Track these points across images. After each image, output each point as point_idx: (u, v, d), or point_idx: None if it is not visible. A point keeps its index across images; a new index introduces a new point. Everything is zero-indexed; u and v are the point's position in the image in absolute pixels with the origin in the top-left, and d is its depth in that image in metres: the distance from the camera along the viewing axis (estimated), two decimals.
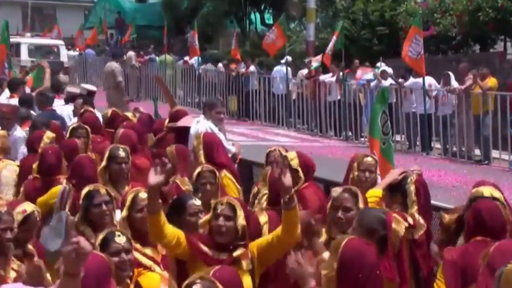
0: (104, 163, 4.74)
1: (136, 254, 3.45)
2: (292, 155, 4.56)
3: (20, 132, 6.44)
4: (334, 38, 12.57)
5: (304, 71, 14.13)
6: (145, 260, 3.61)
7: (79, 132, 5.89)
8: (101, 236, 3.18)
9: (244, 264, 3.43)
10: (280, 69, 14.64)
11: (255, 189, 4.95)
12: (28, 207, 3.79)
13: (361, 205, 3.66)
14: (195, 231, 3.61)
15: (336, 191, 3.75)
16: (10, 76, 10.79)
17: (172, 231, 3.45)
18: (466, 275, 3.31)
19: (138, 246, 3.57)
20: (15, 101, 8.01)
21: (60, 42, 21.00)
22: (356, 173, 4.57)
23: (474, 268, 3.22)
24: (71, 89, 8.54)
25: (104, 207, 3.86)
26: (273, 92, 14.38)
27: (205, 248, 3.43)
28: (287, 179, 3.38)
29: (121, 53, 15.20)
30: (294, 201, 3.43)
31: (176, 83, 17.18)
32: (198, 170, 4.60)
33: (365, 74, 12.68)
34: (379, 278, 2.82)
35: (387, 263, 3.07)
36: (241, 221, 3.45)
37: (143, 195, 3.66)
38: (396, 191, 4.22)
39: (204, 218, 3.59)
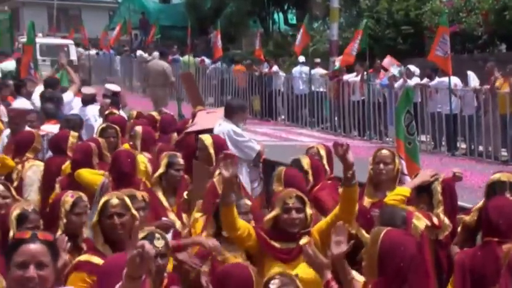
0: (162, 170, 4.67)
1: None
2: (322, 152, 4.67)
3: None
4: (359, 37, 12.42)
5: (319, 71, 14.11)
6: None
7: (108, 133, 5.90)
8: (141, 236, 3.16)
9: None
10: (300, 70, 14.61)
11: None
12: (75, 193, 3.88)
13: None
14: None
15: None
16: (36, 76, 10.89)
17: (243, 224, 3.61)
18: (475, 276, 3.32)
19: (108, 252, 3.43)
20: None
21: (70, 41, 21.33)
22: (371, 167, 4.56)
23: (482, 270, 3.26)
24: (86, 90, 8.55)
25: (141, 213, 3.81)
26: (295, 93, 14.36)
27: (272, 242, 3.56)
28: (350, 156, 3.53)
29: (168, 52, 15.22)
30: (355, 179, 3.57)
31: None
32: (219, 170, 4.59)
33: (391, 66, 12.49)
34: (420, 268, 2.84)
35: None
36: (308, 210, 3.62)
37: (114, 201, 3.56)
38: (422, 191, 4.19)
39: (270, 215, 3.64)
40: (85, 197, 3.88)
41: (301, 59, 14.54)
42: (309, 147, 5.39)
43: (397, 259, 2.76)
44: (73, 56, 20.30)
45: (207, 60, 18.00)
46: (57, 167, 5.35)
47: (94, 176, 4.96)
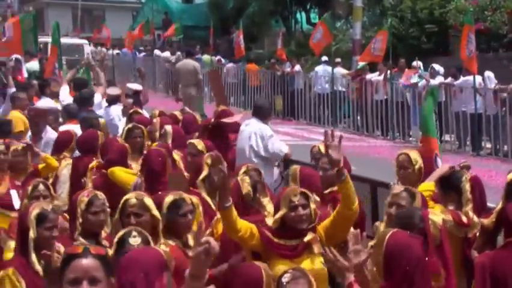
0: (206, 172, 4.62)
1: None
2: None
3: (53, 133, 6.51)
4: (386, 37, 12.24)
5: (340, 70, 14.06)
6: None
7: (135, 133, 5.87)
8: (120, 234, 3.16)
9: (316, 248, 3.56)
10: (323, 69, 14.56)
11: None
12: (90, 192, 3.87)
13: (417, 205, 3.66)
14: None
15: (395, 189, 3.83)
16: (60, 76, 10.98)
17: (245, 225, 3.62)
18: (495, 278, 3.30)
19: None
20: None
21: (85, 41, 21.55)
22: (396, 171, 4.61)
23: (502, 270, 3.26)
24: (111, 90, 8.62)
25: (189, 217, 3.74)
26: (317, 92, 14.31)
27: (276, 239, 3.57)
28: (335, 153, 3.51)
29: (194, 52, 15.35)
30: (343, 174, 3.55)
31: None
32: (244, 169, 4.58)
33: (410, 77, 12.40)
34: (426, 270, 2.81)
35: (429, 256, 3.07)
36: (312, 205, 3.63)
37: (133, 201, 3.58)
38: (450, 190, 4.16)
39: (277, 215, 3.65)
40: (101, 195, 3.84)
41: (324, 58, 14.49)
42: (312, 146, 5.37)
43: (403, 262, 2.73)
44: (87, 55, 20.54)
45: (224, 60, 18.05)
46: (84, 167, 5.40)
47: (127, 175, 5.01)
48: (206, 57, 18.09)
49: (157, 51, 20.85)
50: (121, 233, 3.16)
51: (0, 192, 4.98)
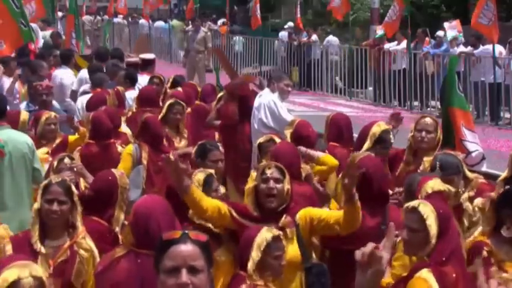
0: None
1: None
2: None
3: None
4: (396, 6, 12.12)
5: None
6: None
7: (175, 108, 5.88)
8: None
9: (289, 232, 3.43)
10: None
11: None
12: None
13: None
14: None
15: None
16: (78, 46, 11.00)
17: (212, 205, 3.48)
18: None
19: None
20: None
21: None
22: (411, 134, 4.53)
23: None
24: (130, 58, 8.71)
25: (221, 190, 3.82)
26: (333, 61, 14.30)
27: (249, 223, 3.42)
28: (350, 181, 3.35)
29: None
30: (353, 199, 3.39)
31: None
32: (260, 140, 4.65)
33: (449, 29, 12.23)
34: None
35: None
36: (287, 184, 3.50)
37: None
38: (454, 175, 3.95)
39: (248, 184, 3.61)
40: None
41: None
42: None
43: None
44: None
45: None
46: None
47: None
48: (175, 22, 18.02)
49: (142, 21, 20.89)
50: None
51: None
